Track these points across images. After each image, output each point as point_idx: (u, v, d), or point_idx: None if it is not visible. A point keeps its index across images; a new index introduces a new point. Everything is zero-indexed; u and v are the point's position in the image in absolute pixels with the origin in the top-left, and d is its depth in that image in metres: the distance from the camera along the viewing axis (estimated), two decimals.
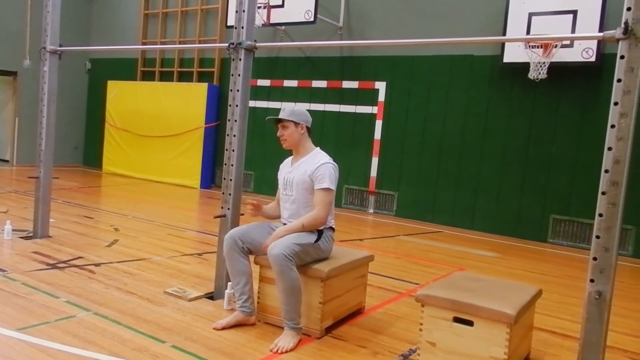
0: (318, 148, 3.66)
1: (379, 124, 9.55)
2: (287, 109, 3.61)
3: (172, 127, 11.44)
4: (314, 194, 3.47)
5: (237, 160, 4.03)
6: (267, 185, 10.57)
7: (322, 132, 9.78)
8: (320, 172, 3.45)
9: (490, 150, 8.57)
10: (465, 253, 6.82)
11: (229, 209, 4.00)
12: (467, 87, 8.75)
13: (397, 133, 9.40)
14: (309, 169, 3.49)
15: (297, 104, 9.92)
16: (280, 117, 3.58)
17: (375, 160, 9.57)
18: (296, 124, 3.55)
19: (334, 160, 3.56)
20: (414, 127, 9.24)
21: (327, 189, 3.43)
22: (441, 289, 3.19)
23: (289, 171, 3.63)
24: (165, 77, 12.38)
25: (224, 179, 4.06)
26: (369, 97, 9.68)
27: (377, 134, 9.56)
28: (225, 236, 3.54)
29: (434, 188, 9.00)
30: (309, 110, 3.71)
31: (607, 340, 2.87)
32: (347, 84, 9.86)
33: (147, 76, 12.65)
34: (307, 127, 3.59)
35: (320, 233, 3.48)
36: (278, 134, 3.60)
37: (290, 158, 3.73)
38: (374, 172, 9.58)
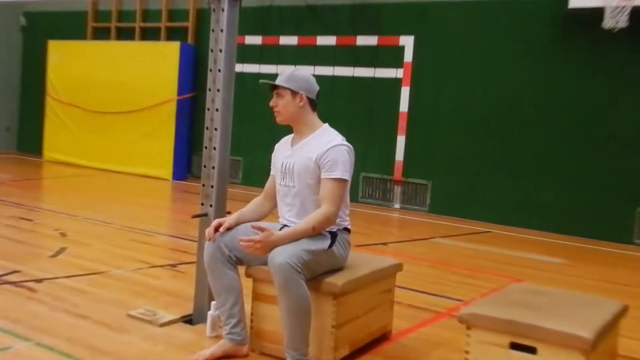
0: (326, 125, 3.63)
1: (405, 92, 9.51)
2: (286, 72, 3.58)
3: (134, 100, 11.45)
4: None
5: (221, 142, 4.01)
6: (260, 174, 10.45)
7: (331, 103, 9.75)
8: (331, 156, 3.42)
9: (552, 125, 8.52)
10: (522, 259, 6.81)
11: (211, 205, 3.98)
12: (521, 43, 8.70)
13: (430, 103, 9.36)
14: (314, 152, 3.46)
15: (297, 67, 9.89)
16: (276, 80, 3.55)
17: (401, 140, 9.54)
18: (294, 93, 3.52)
19: (347, 141, 3.53)
20: (452, 95, 9.20)
21: (340, 180, 3.41)
22: (492, 307, 3.16)
23: (288, 155, 3.60)
24: (125, 34, 12.38)
25: (204, 167, 4.04)
26: (392, 57, 9.63)
27: (404, 105, 9.53)
28: (207, 243, 3.53)
29: (478, 175, 8.97)
30: (314, 76, 3.67)
31: None
32: (362, 40, 9.82)
33: (101, 34, 12.65)
34: (308, 98, 3.56)
35: (333, 236, 3.46)
36: (270, 103, 3.58)
37: (289, 137, 3.70)
38: (399, 156, 9.56)
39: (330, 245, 3.43)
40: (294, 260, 3.20)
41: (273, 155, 3.75)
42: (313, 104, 3.59)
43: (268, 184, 3.76)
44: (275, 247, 3.28)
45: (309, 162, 3.47)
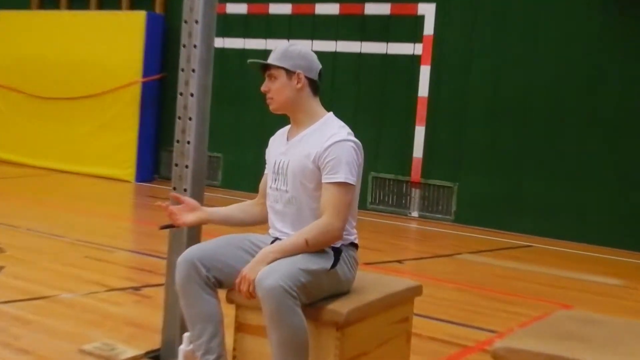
0: (330, 114, 3.63)
1: (425, 72, 9.53)
2: (279, 48, 3.58)
3: (89, 83, 11.49)
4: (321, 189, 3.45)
5: (197, 135, 4.01)
6: (245, 175, 10.60)
7: (333, 85, 9.77)
8: (333, 155, 3.41)
9: (607, 114, 8.53)
10: (571, 280, 6.83)
11: None
12: (567, 13, 8.71)
13: (456, 87, 9.37)
14: (313, 149, 3.45)
15: (292, 41, 9.91)
16: (267, 61, 3.55)
17: (420, 132, 9.56)
18: (290, 72, 3.52)
19: (355, 135, 3.53)
20: (484, 76, 9.21)
21: (344, 184, 3.41)
22: (534, 339, 3.16)
23: (282, 151, 3.60)
24: (78, 2, 12.40)
25: (176, 165, 4.05)
26: (408, 29, 9.65)
27: (423, 89, 9.54)
28: (179, 259, 3.52)
29: (517, 176, 8.98)
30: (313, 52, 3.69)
31: None
32: (372, 9, 9.84)
33: (48, 2, 12.66)
34: (308, 78, 3.56)
35: (337, 253, 3.46)
36: (262, 87, 3.58)
37: (285, 129, 3.71)
38: (418, 152, 9.57)
39: (334, 264, 3.42)
40: (289, 283, 3.19)
41: (267, 150, 3.75)
42: (314, 86, 3.58)
43: (261, 184, 3.77)
44: (266, 261, 3.28)
45: (306, 161, 3.46)
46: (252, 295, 3.24)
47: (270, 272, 3.22)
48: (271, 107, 3.60)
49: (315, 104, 3.60)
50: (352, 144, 3.46)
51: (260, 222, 3.77)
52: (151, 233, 7.63)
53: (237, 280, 3.30)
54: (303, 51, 3.58)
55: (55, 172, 11.56)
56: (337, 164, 3.41)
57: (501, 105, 9.08)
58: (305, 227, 3.44)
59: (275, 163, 3.61)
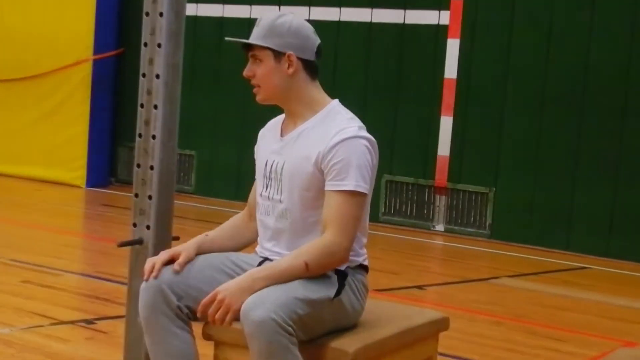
0: (335, 102, 3.61)
1: (453, 47, 9.52)
2: (264, 22, 3.55)
3: (27, 61, 11.46)
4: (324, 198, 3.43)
5: (164, 127, 3.98)
6: (225, 178, 10.60)
7: (336, 65, 9.78)
8: (340, 155, 3.39)
9: None
10: (634, 311, 6.83)
11: (148, 227, 3.97)
12: None
13: (493, 66, 9.37)
14: (315, 148, 3.44)
15: (282, 12, 9.92)
16: (248, 40, 3.54)
17: (446, 124, 9.55)
18: (278, 54, 3.51)
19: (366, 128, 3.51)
20: (527, 53, 9.20)
21: (353, 193, 3.39)
22: None
23: (275, 149, 3.59)
24: None
25: (138, 166, 4.02)
26: None
27: (451, 69, 9.54)
28: (144, 285, 3.51)
29: (568, 180, 8.97)
30: (310, 24, 3.66)
31: None
32: None
33: None
34: (302, 60, 3.54)
35: (342, 277, 3.45)
36: (245, 72, 3.56)
37: (279, 119, 3.69)
38: (444, 148, 9.56)
39: (338, 292, 3.42)
40: (282, 316, 3.18)
41: (256, 148, 3.73)
42: (311, 68, 3.56)
43: (252, 195, 3.75)
44: (252, 288, 3.27)
45: (306, 163, 3.45)
46: (224, 322, 3.25)
47: (259, 301, 3.21)
48: (258, 98, 3.59)
49: (315, 90, 3.58)
50: (365, 141, 3.44)
51: (252, 243, 3.77)
52: (107, 251, 7.60)
53: (205, 301, 3.27)
54: (295, 24, 3.55)
55: None
56: (345, 168, 3.39)
57: (550, 91, 9.05)
58: (303, 246, 3.43)
59: (266, 164, 3.59)
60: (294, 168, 3.48)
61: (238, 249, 3.72)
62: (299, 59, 3.52)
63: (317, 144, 3.44)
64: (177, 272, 3.43)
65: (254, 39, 3.50)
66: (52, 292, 6.19)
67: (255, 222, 3.72)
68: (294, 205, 3.49)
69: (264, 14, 3.60)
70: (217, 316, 3.25)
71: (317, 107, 3.56)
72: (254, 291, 3.27)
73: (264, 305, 3.18)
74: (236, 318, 3.30)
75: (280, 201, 3.52)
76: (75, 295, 6.25)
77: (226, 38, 3.68)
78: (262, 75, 3.52)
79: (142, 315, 3.50)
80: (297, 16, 3.66)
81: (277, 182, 3.54)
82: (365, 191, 3.40)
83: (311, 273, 3.35)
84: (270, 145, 3.63)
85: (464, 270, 7.99)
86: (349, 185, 3.37)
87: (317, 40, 3.60)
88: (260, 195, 3.61)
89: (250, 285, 3.30)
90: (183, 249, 3.52)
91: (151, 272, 3.44)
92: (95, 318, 5.58)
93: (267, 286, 3.29)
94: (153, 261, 3.47)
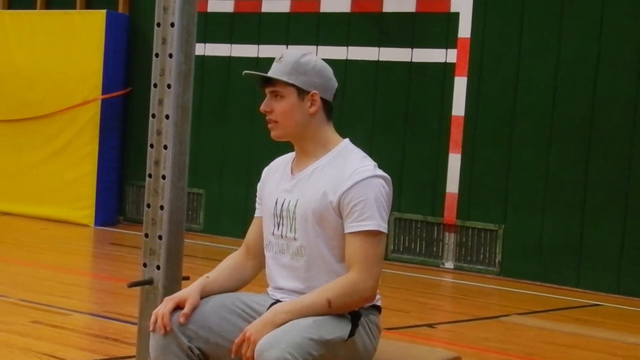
0: (346, 141, 3.61)
1: (460, 85, 9.52)
2: (288, 58, 3.55)
3: (34, 101, 11.47)
4: (343, 239, 3.42)
5: (174, 166, 3.98)
6: (233, 216, 10.55)
7: (343, 101, 9.77)
8: (360, 196, 3.37)
9: None
10: None
11: (158, 267, 3.96)
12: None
13: (501, 103, 9.36)
14: (332, 187, 3.43)
15: (293, 48, 9.94)
16: (270, 74, 3.55)
17: (455, 161, 9.54)
18: (301, 92, 3.52)
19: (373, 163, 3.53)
20: (535, 89, 9.20)
21: (375, 233, 3.39)
22: None
23: (286, 188, 3.59)
24: (18, 0, 12.45)
25: (148, 206, 4.01)
26: (439, 30, 9.68)
27: (459, 106, 9.53)
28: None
29: (581, 217, 8.93)
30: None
31: None
32: (392, 4, 9.87)
33: None
34: (323, 100, 3.56)
35: (356, 318, 3.43)
36: (263, 107, 3.57)
37: (287, 158, 3.70)
38: (452, 185, 9.54)
39: (352, 332, 3.41)
40: (297, 356, 3.17)
41: (260, 185, 3.73)
42: (329, 109, 3.57)
43: (251, 233, 3.74)
44: (273, 324, 3.27)
45: (322, 199, 3.44)
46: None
47: (274, 342, 3.20)
48: (274, 133, 3.57)
49: (329, 130, 3.58)
50: (382, 180, 3.44)
51: (249, 282, 3.76)
52: (116, 290, 7.57)
53: (238, 341, 3.28)
54: (319, 64, 3.56)
55: None
56: (366, 208, 3.38)
57: (558, 126, 9.04)
58: (327, 283, 3.44)
59: (276, 203, 3.58)
60: (308, 205, 3.48)
61: (238, 288, 3.69)
62: (321, 99, 3.54)
63: (332, 183, 3.44)
64: (182, 325, 3.41)
65: (277, 74, 3.49)
66: (61, 332, 6.16)
67: (253, 261, 3.71)
68: (310, 241, 3.49)
69: (286, 53, 3.59)
70: (243, 351, 3.25)
71: (329, 146, 3.56)
72: (276, 325, 3.27)
73: (278, 346, 3.18)
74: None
75: (295, 239, 3.51)
76: (84, 336, 6.23)
77: (245, 72, 3.65)
78: (282, 111, 3.51)
79: (153, 356, 3.49)
80: (314, 55, 3.68)
81: (290, 220, 3.53)
82: (385, 230, 3.41)
83: (333, 311, 3.34)
84: (280, 183, 3.62)
85: (474, 308, 7.95)
86: (372, 225, 3.37)
87: (336, 84, 3.61)
88: (272, 234, 3.59)
89: (272, 319, 3.30)
90: (187, 294, 3.49)
91: (160, 326, 3.40)
92: (105, 359, 5.56)
93: (288, 320, 3.29)
94: (159, 313, 3.43)
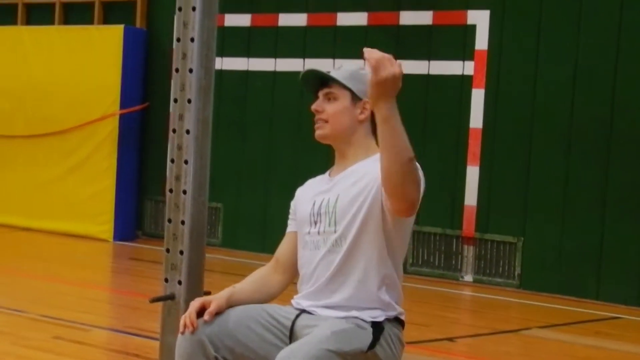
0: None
1: (478, 97, 9.53)
2: (347, 67, 3.68)
3: (53, 116, 11.52)
4: (383, 235, 3.46)
5: (195, 182, 4.01)
6: (252, 230, 10.55)
7: None
8: None
9: None
10: None
11: (180, 282, 3.97)
12: None
13: (519, 114, 9.36)
14: (367, 174, 3.47)
15: (308, 63, 9.94)
16: (331, 74, 3.62)
17: (473, 173, 9.53)
18: (355, 97, 3.60)
19: None
20: (553, 100, 9.19)
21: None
22: None
23: (324, 189, 3.61)
24: (38, 15, 12.52)
25: (169, 221, 4.04)
26: (456, 42, 9.69)
27: (476, 119, 9.53)
28: (181, 337, 3.52)
29: (599, 228, 8.92)
30: None
31: None
32: (409, 18, 9.88)
33: (2, 15, 12.75)
34: (372, 112, 3.59)
35: (377, 329, 3.45)
36: (314, 106, 3.61)
37: (320, 177, 3.75)
38: (470, 198, 9.53)
39: (373, 344, 3.42)
40: None
41: (294, 202, 3.77)
42: (375, 123, 3.61)
43: (282, 247, 3.77)
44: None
45: (364, 190, 3.45)
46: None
47: (291, 354, 3.22)
48: (319, 132, 3.63)
49: (373, 142, 3.63)
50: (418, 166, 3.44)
51: (278, 295, 3.77)
52: (136, 305, 7.59)
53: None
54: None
55: (12, 229, 11.58)
56: None
57: (576, 137, 9.03)
58: (352, 279, 3.47)
59: (314, 205, 3.60)
60: (347, 195, 3.53)
61: (264, 301, 3.70)
62: (371, 111, 3.59)
63: (368, 171, 3.50)
64: (206, 322, 3.44)
65: (339, 76, 3.62)
66: (82, 347, 6.17)
67: (281, 275, 3.73)
68: (350, 231, 3.51)
69: (345, 63, 3.67)
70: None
71: (370, 153, 3.62)
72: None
73: (295, 358, 3.20)
74: None
75: (335, 231, 3.54)
76: (105, 351, 6.24)
77: (308, 69, 3.72)
78: (334, 112, 3.60)
79: None
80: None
81: (329, 215, 3.56)
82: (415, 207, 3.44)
83: (405, 163, 3.30)
84: (316, 190, 3.68)
85: (494, 321, 7.95)
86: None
87: None
88: (309, 233, 3.60)
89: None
90: (213, 298, 3.54)
91: (188, 325, 3.44)
92: None
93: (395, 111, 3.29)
94: (187, 316, 3.46)
